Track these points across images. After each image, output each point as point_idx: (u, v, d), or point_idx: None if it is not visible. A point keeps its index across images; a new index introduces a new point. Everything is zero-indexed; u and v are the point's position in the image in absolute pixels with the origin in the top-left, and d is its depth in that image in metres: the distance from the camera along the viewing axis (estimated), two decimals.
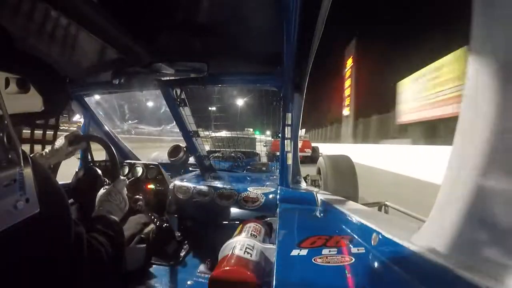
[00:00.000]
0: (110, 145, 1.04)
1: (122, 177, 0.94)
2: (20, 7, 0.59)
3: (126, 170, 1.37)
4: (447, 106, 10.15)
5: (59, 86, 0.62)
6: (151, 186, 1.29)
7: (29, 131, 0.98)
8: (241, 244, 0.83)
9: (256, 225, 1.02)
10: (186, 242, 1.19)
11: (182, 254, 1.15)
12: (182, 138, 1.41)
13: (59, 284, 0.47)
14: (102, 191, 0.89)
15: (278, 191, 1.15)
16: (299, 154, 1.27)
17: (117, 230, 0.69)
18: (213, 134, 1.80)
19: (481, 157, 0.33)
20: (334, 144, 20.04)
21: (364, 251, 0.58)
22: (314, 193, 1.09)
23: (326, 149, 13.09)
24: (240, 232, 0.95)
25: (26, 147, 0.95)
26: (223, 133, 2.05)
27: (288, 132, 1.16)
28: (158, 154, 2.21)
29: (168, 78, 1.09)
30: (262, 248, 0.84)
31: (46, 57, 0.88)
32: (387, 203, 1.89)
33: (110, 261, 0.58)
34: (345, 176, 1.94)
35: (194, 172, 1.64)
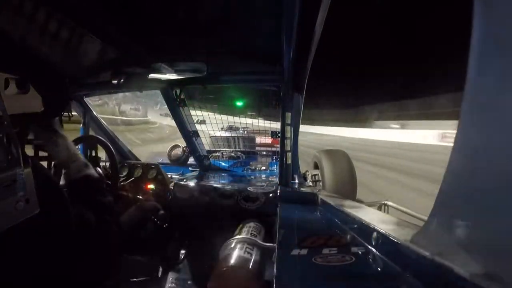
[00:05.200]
0: (101, 139, 1.05)
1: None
2: (20, 7, 0.59)
3: (126, 170, 1.37)
4: None
5: (58, 86, 0.62)
6: (151, 186, 1.29)
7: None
8: (241, 243, 0.83)
9: (256, 225, 1.02)
10: (186, 242, 1.19)
11: (182, 254, 1.15)
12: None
13: (60, 282, 0.48)
14: (57, 142, 0.74)
15: (278, 191, 1.15)
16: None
17: (103, 190, 0.69)
18: (213, 134, 1.80)
19: (482, 157, 0.33)
20: None
21: (364, 250, 0.58)
22: (314, 192, 1.09)
23: None
24: (240, 232, 0.95)
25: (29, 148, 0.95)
26: (223, 133, 2.05)
27: (287, 131, 1.16)
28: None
29: (167, 78, 1.09)
30: (262, 248, 0.84)
31: (46, 57, 0.88)
32: (387, 202, 1.89)
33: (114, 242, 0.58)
34: (342, 169, 1.97)
35: (194, 172, 1.64)
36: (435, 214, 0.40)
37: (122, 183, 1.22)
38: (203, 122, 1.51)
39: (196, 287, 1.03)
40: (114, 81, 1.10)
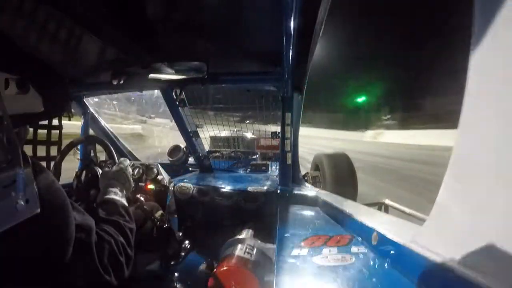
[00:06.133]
0: (101, 139, 1.06)
1: (123, 158, 0.95)
2: (20, 7, 0.59)
3: None
4: None
5: (59, 86, 0.62)
6: (151, 186, 1.28)
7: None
8: (242, 244, 0.84)
9: (256, 225, 1.02)
10: (186, 242, 1.19)
11: (182, 254, 1.15)
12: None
13: (59, 283, 0.47)
14: (106, 170, 0.89)
15: (278, 191, 1.15)
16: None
17: (125, 216, 0.69)
18: (213, 134, 1.80)
19: (482, 157, 0.33)
20: None
21: (364, 250, 0.58)
22: (314, 192, 1.09)
23: None
24: (240, 232, 0.95)
25: (29, 147, 0.95)
26: (223, 133, 2.05)
27: (288, 131, 1.16)
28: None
29: (167, 78, 1.09)
30: (262, 248, 0.84)
31: (46, 58, 0.88)
32: (387, 202, 1.89)
33: (120, 251, 0.58)
34: (343, 172, 1.97)
35: (194, 172, 1.64)
36: (435, 214, 0.40)
37: None
38: (200, 126, 1.54)
39: (196, 287, 1.02)
40: (114, 81, 1.10)
